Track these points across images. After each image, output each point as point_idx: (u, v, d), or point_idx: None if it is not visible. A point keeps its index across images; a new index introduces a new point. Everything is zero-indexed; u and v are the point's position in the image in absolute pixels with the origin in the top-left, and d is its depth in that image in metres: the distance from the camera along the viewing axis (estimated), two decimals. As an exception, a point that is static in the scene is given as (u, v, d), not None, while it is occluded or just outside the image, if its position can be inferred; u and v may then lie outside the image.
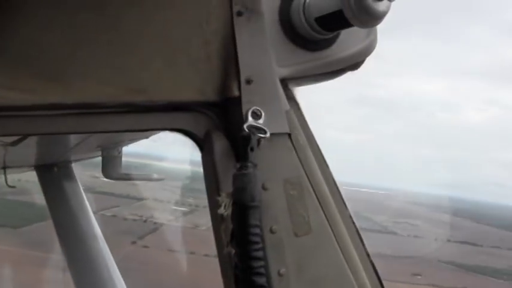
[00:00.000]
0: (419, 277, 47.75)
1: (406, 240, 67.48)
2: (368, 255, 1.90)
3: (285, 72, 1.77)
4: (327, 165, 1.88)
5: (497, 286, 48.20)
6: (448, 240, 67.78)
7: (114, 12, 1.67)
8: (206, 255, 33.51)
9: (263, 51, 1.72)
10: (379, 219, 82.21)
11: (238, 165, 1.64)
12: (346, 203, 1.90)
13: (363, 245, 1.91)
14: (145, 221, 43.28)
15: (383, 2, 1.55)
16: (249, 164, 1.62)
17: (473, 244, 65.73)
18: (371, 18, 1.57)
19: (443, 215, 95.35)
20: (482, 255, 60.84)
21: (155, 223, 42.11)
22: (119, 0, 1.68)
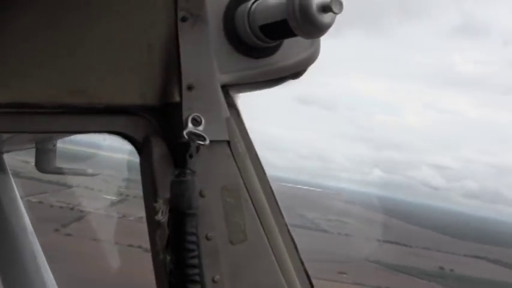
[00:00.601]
0: (345, 275, 47.79)
1: (336, 238, 67.81)
2: (302, 263, 1.85)
3: (226, 78, 1.77)
4: (264, 174, 1.83)
5: (420, 286, 48.61)
6: (378, 240, 68.47)
7: (56, 13, 1.67)
8: (130, 245, 32.89)
9: (206, 57, 1.73)
10: (312, 216, 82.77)
11: (176, 172, 1.64)
12: (280, 205, 1.84)
13: (298, 253, 1.86)
14: (72, 209, 42.39)
15: (328, 14, 1.56)
16: (188, 171, 1.62)
17: (403, 244, 66.45)
18: (315, 29, 1.60)
19: (376, 215, 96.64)
20: (411, 256, 61.55)
21: (82, 211, 41.20)
22: (62, 0, 1.68)
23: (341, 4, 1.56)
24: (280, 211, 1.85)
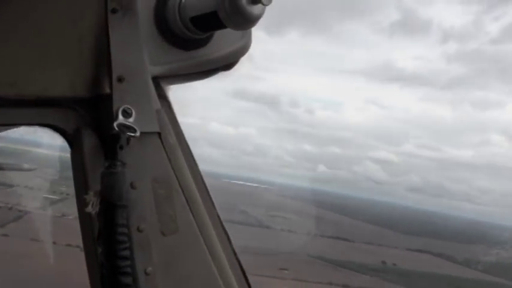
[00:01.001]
0: (286, 271, 46.51)
1: (279, 234, 66.55)
2: (235, 253, 1.90)
3: (158, 70, 1.79)
4: (196, 165, 1.87)
5: (362, 281, 47.54)
6: (321, 235, 67.60)
7: None
8: (68, 244, 32.07)
9: (136, 49, 1.73)
10: (255, 213, 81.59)
11: (106, 164, 1.63)
12: (215, 202, 1.87)
13: (230, 244, 1.90)
14: (10, 209, 41.01)
15: (257, 5, 1.59)
16: (118, 163, 1.62)
17: (346, 239, 65.57)
18: (245, 20, 1.63)
19: (320, 210, 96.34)
20: (354, 251, 60.71)
21: (20, 211, 40.18)
22: None
23: None
24: (212, 202, 1.84)
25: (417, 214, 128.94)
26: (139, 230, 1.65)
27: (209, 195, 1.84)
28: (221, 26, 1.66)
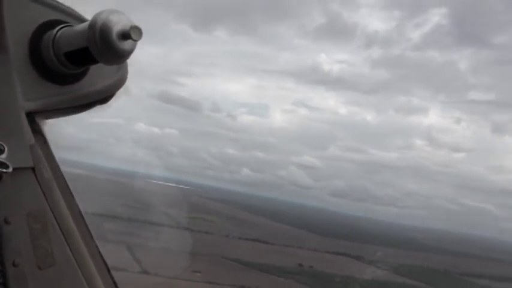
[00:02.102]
0: (198, 274, 45.27)
1: (197, 236, 65.28)
2: (114, 283, 1.86)
3: (32, 105, 1.76)
4: (73, 198, 1.83)
5: (275, 283, 46.85)
6: (241, 238, 66.69)
7: None
8: None
9: (8, 84, 1.70)
10: (176, 214, 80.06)
11: None
12: (93, 233, 1.87)
13: (109, 273, 1.86)
14: None
15: (128, 41, 1.61)
16: None
17: (265, 242, 64.76)
18: (116, 56, 1.64)
19: (242, 213, 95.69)
20: (272, 253, 59.91)
21: None
22: None
23: (140, 32, 1.59)
24: (90, 233, 1.82)
25: (340, 218, 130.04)
26: (14, 264, 1.62)
27: (87, 227, 1.79)
28: (94, 61, 1.65)
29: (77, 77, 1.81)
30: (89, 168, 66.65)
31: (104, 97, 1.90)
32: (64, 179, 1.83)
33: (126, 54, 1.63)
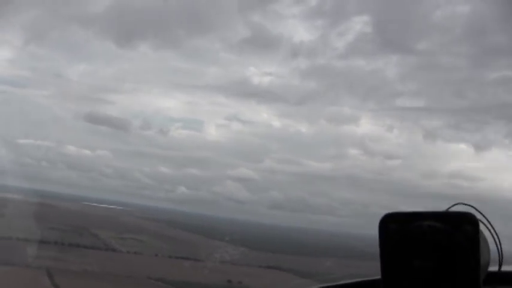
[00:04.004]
0: (118, 296, 43.45)
1: (124, 257, 63.22)
2: None
3: None
4: None
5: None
6: (170, 256, 64.89)
7: None
8: None
9: None
10: (105, 235, 77.62)
11: None
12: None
13: None
14: None
15: None
16: None
17: (196, 259, 63.00)
18: None
19: (176, 231, 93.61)
20: (202, 270, 58.11)
21: None
22: None
23: None
24: None
25: (278, 231, 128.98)
26: None
27: None
28: None
29: None
30: (21, 192, 63.87)
31: None
32: None
33: None
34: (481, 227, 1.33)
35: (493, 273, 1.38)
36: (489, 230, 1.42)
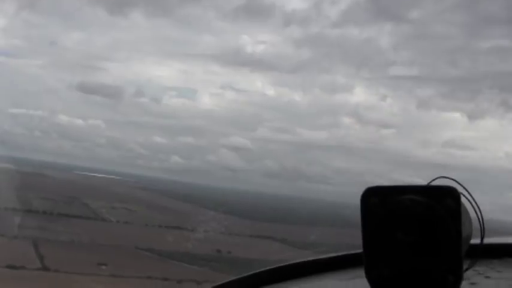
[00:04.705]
0: (104, 267, 42.49)
1: (114, 226, 62.44)
2: None
3: None
4: None
5: (186, 272, 44.58)
6: (160, 226, 64.20)
7: None
8: None
9: None
10: (96, 205, 76.96)
11: None
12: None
13: None
14: None
15: None
16: None
17: (186, 229, 62.36)
18: None
19: (169, 201, 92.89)
20: (192, 240, 57.25)
21: None
22: None
23: None
24: None
25: (272, 200, 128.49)
26: None
27: None
28: None
29: None
30: (13, 161, 62.89)
31: None
32: None
33: None
34: (464, 200, 1.37)
35: (475, 246, 1.45)
36: (471, 204, 1.43)
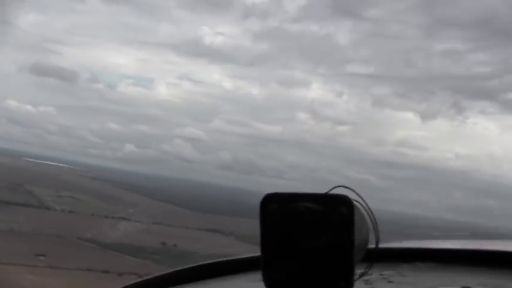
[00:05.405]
0: (42, 258, 41.15)
1: (58, 215, 60.95)
2: None
3: None
4: None
5: (128, 265, 43.45)
6: (106, 216, 63.02)
7: None
8: None
9: None
10: (41, 193, 75.20)
11: None
12: None
13: None
14: None
15: None
16: None
17: (132, 220, 61.31)
18: None
19: (119, 191, 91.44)
20: (136, 232, 56.22)
21: None
22: None
23: None
24: None
25: (225, 192, 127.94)
26: None
27: None
28: None
29: None
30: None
31: None
32: None
33: None
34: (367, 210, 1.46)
35: (370, 250, 1.50)
36: (367, 212, 1.47)
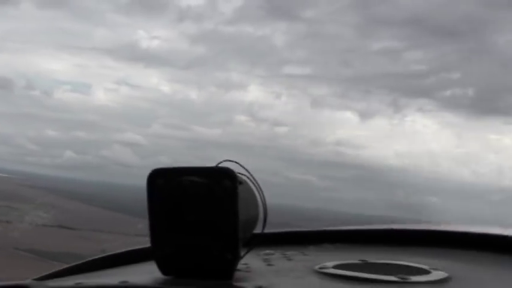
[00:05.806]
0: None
1: (-6, 226, 59.95)
2: None
3: None
4: None
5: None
6: (44, 225, 62.39)
7: None
8: None
9: None
10: (-24, 204, 73.78)
11: None
12: None
13: None
14: None
15: None
16: None
17: (71, 228, 60.75)
18: None
19: (57, 199, 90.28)
20: (76, 240, 56.06)
21: None
22: None
23: None
24: None
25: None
26: None
27: None
28: None
29: None
30: None
31: None
32: None
33: None
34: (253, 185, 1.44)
35: (256, 234, 1.48)
36: (255, 187, 1.47)
